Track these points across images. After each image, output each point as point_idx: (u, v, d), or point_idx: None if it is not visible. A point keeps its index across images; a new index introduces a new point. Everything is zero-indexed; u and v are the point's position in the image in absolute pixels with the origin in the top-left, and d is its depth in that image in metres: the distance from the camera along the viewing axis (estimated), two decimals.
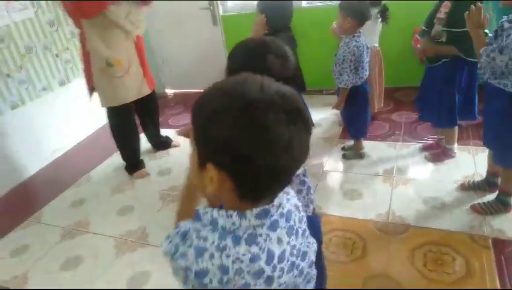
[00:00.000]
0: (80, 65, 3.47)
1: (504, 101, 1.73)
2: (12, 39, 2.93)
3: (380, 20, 2.68)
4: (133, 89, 2.67)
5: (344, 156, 2.73)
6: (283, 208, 0.69)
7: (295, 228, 0.71)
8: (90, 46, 2.48)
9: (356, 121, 2.60)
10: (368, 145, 2.75)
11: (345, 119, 2.72)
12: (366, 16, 2.30)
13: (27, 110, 3.07)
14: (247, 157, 0.59)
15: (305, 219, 0.77)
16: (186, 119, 3.82)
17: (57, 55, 3.31)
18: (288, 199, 0.74)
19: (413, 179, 2.41)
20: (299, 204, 0.78)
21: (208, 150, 0.64)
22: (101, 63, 2.51)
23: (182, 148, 3.21)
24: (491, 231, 1.90)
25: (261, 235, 0.65)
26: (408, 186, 2.35)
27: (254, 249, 0.63)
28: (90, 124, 3.64)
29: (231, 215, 0.65)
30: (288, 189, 0.76)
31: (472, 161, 2.47)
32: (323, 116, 3.33)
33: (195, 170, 0.68)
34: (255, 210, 0.65)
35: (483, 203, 2.04)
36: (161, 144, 3.22)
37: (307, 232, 0.77)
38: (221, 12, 3.91)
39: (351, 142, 2.79)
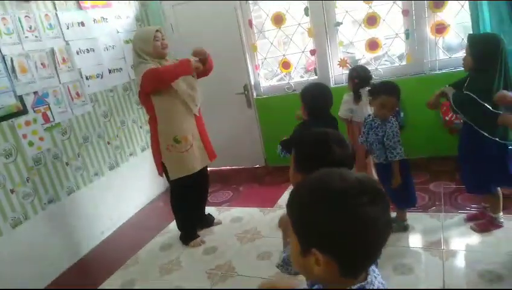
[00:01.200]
0: (127, 150, 3.79)
1: None
2: (73, 131, 3.27)
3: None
4: (197, 160, 2.94)
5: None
6: (373, 285, 0.79)
7: None
8: (160, 126, 2.81)
9: (405, 190, 2.62)
10: (410, 217, 2.77)
11: (392, 191, 2.71)
12: None
13: (80, 194, 3.29)
14: (344, 238, 0.71)
15: None
16: (223, 196, 3.96)
17: (108, 143, 3.62)
18: (375, 277, 0.82)
19: (463, 251, 2.39)
20: (384, 282, 0.86)
21: (310, 238, 0.75)
22: (168, 141, 2.81)
23: (225, 226, 3.30)
24: None
25: None
26: (459, 259, 2.33)
27: None
28: (133, 205, 3.84)
29: None
30: (374, 267, 0.85)
31: None
32: None
33: (297, 257, 0.79)
34: (354, 287, 0.75)
35: None
36: (205, 221, 3.33)
37: None
38: (254, 96, 4.23)
39: (392, 215, 2.82)
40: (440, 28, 3.39)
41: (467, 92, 2.27)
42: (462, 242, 2.48)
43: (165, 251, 3.10)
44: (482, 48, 2.24)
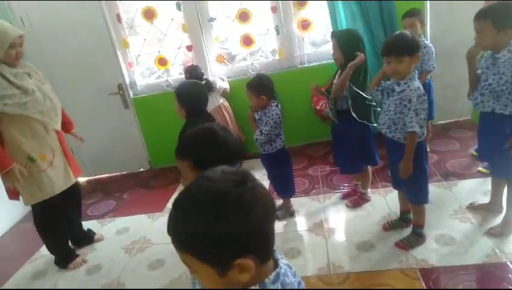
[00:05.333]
0: None
1: (402, 151, 2.06)
2: None
3: None
4: (59, 180, 2.55)
5: (276, 217, 2.86)
6: (280, 268, 0.78)
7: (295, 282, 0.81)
8: (9, 144, 2.34)
9: (284, 180, 2.78)
10: (294, 202, 2.94)
11: (272, 181, 2.86)
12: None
13: None
14: (257, 229, 0.71)
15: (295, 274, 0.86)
16: (105, 206, 3.63)
17: None
18: (281, 258, 0.82)
19: (342, 227, 2.64)
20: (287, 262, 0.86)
21: (224, 253, 0.69)
22: (22, 160, 2.36)
23: (110, 239, 3.03)
24: (417, 262, 2.16)
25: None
26: (339, 235, 2.56)
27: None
28: None
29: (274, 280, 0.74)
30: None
31: (384, 201, 2.81)
32: None
33: (215, 283, 0.73)
34: (271, 277, 0.75)
35: (404, 238, 2.31)
36: (84, 238, 3.00)
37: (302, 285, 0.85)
38: (131, 96, 3.96)
39: (278, 202, 2.94)
40: (305, 25, 3.66)
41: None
42: (340, 219, 2.74)
43: (38, 279, 2.69)
44: (350, 43, 2.45)
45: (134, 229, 3.12)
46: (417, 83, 1.99)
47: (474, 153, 3.11)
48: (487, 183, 2.70)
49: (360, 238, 2.46)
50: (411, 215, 2.40)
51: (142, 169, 4.24)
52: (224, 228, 0.68)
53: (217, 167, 0.76)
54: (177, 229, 0.73)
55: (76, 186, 2.79)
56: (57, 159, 2.53)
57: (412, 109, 1.96)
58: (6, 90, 2.25)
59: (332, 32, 2.68)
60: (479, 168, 2.94)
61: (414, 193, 2.18)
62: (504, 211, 2.31)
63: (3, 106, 2.25)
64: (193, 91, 2.25)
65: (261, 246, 0.73)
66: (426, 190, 2.16)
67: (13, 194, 2.50)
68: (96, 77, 3.81)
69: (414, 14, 2.93)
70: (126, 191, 3.87)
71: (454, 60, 3.14)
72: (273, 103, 2.57)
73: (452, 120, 3.81)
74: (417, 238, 2.28)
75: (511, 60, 1.95)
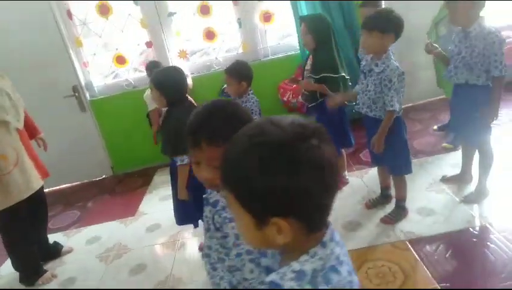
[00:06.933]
0: None
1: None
2: None
3: None
4: (26, 183, 2.32)
5: None
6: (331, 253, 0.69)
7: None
8: None
9: None
10: None
11: None
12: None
13: None
14: (306, 192, 0.61)
15: None
16: (69, 217, 3.36)
17: None
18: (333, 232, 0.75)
19: None
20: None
21: (264, 206, 0.63)
22: None
23: (80, 250, 2.80)
24: (404, 235, 2.21)
25: (338, 256, 0.68)
26: None
27: (346, 268, 0.68)
28: None
29: (315, 254, 0.65)
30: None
31: (362, 182, 2.87)
32: None
33: (252, 233, 0.66)
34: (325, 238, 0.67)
35: (389, 214, 2.37)
36: (51, 251, 2.74)
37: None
38: (88, 98, 3.71)
39: None
40: (267, 16, 3.66)
41: (325, 74, 2.49)
42: None
43: None
44: (320, 26, 2.48)
45: (106, 236, 2.90)
46: (396, 63, 2.06)
47: (446, 145, 3.13)
48: (454, 157, 2.87)
49: (345, 219, 2.47)
50: (391, 191, 2.47)
51: (104, 176, 3.99)
52: (269, 180, 0.61)
53: (288, 116, 0.68)
54: (226, 163, 0.66)
55: (42, 194, 2.56)
56: (21, 161, 2.30)
57: (392, 88, 2.02)
58: None
59: (301, 17, 2.70)
60: (444, 144, 3.10)
61: (398, 164, 2.23)
62: (476, 179, 2.45)
63: None
64: (173, 77, 2.11)
65: (307, 213, 0.64)
66: (409, 159, 2.24)
67: None
68: (47, 80, 3.52)
69: (370, 4, 3.03)
70: (89, 200, 3.61)
71: (409, 47, 3.30)
72: (250, 91, 2.52)
73: (410, 104, 4.00)
74: (400, 211, 2.35)
75: (481, 33, 2.07)
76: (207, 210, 1.17)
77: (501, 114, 2.34)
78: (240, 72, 2.42)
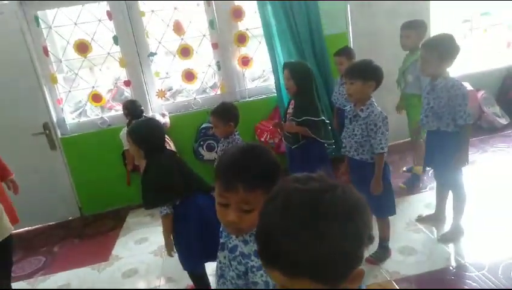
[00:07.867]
0: None
1: (368, 170, 2.22)
2: None
3: None
4: None
5: None
6: None
7: None
8: None
9: None
10: None
11: None
12: None
13: None
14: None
15: None
16: (32, 264, 3.11)
17: None
18: None
19: None
20: None
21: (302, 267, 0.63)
22: None
23: None
24: (390, 274, 2.27)
25: None
26: None
27: None
28: None
29: None
30: None
31: None
32: None
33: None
34: None
35: (373, 254, 2.42)
36: None
37: None
38: (59, 135, 3.57)
39: None
40: (245, 61, 3.79)
41: (306, 117, 2.62)
42: None
43: None
44: (302, 72, 2.62)
45: (76, 284, 2.70)
46: (379, 108, 2.21)
47: (401, 185, 3.31)
48: (426, 197, 3.03)
49: None
50: (373, 233, 2.53)
51: (71, 217, 3.76)
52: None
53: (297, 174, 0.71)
54: (268, 239, 0.65)
55: (11, 239, 2.35)
56: None
57: (379, 132, 2.15)
58: None
59: (284, 64, 2.84)
60: (400, 185, 3.26)
61: (382, 206, 2.32)
62: (450, 219, 2.59)
63: None
64: (150, 129, 2.08)
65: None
66: (393, 201, 2.34)
67: None
68: (17, 116, 3.36)
69: (343, 53, 3.25)
70: (56, 244, 3.37)
71: (379, 91, 3.52)
72: (236, 132, 2.56)
73: None
74: (385, 251, 2.41)
75: (446, 85, 2.29)
76: (221, 256, 1.15)
77: (475, 155, 2.53)
78: (227, 113, 2.46)
